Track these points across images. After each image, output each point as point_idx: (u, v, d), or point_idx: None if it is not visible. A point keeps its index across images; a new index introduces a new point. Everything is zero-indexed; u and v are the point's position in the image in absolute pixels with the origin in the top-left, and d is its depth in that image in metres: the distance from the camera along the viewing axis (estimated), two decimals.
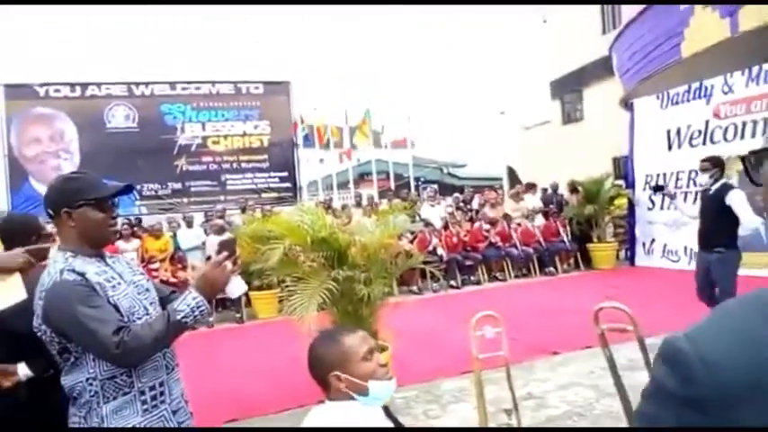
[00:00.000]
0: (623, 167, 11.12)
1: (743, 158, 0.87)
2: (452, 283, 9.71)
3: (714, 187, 4.96)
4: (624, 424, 2.85)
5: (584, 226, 10.50)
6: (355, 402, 1.58)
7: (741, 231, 4.79)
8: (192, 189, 13.63)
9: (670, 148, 9.73)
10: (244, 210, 10.96)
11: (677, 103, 9.67)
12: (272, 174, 14.18)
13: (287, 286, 4.32)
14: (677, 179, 9.51)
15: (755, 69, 8.30)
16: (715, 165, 5.07)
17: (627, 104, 11.66)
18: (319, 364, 1.60)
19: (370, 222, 5.48)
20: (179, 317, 1.77)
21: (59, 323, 1.73)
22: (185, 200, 13.27)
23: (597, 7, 17.41)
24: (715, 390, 0.66)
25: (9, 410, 2.37)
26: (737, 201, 4.73)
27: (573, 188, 11.13)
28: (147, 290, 2.03)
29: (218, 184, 13.85)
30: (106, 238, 1.96)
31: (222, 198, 13.56)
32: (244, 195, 13.12)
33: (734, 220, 4.77)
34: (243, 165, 14.04)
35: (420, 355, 5.47)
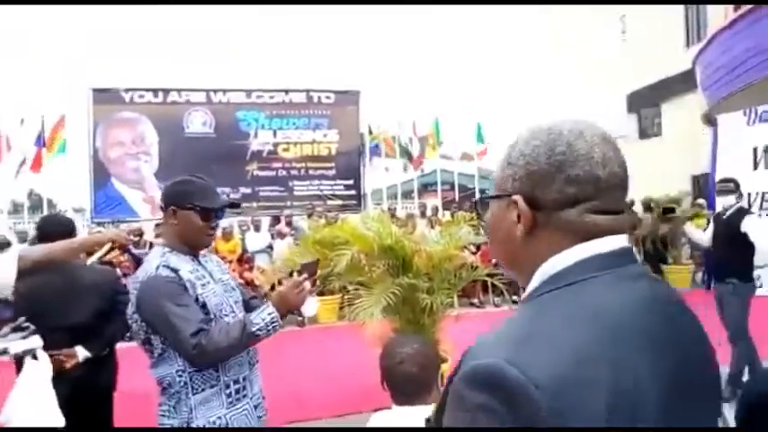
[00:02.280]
0: (703, 186, 10.54)
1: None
2: (515, 298, 9.49)
3: (729, 212, 4.58)
4: None
5: (659, 246, 10.02)
6: None
7: (758, 261, 4.43)
8: (261, 194, 14.05)
9: (756, 166, 9.16)
10: (310, 215, 11.19)
11: (765, 120, 9.09)
12: (338, 181, 14.40)
13: (350, 292, 4.37)
14: (762, 200, 8.92)
15: None
16: (736, 188, 4.73)
17: (710, 120, 11.08)
18: (431, 365, 1.60)
19: (434, 233, 5.46)
20: (254, 329, 1.89)
21: (148, 315, 1.86)
22: (254, 204, 13.68)
23: (681, 18, 16.68)
24: (559, 417, 0.60)
25: (70, 389, 2.58)
26: (755, 227, 4.41)
27: (648, 206, 10.65)
28: (233, 288, 2.17)
29: (286, 189, 14.20)
30: (201, 244, 2.09)
31: (289, 203, 13.90)
32: (310, 201, 13.40)
33: (749, 249, 4.36)
34: (310, 172, 14.35)
35: None
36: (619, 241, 0.78)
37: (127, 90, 13.71)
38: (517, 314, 0.75)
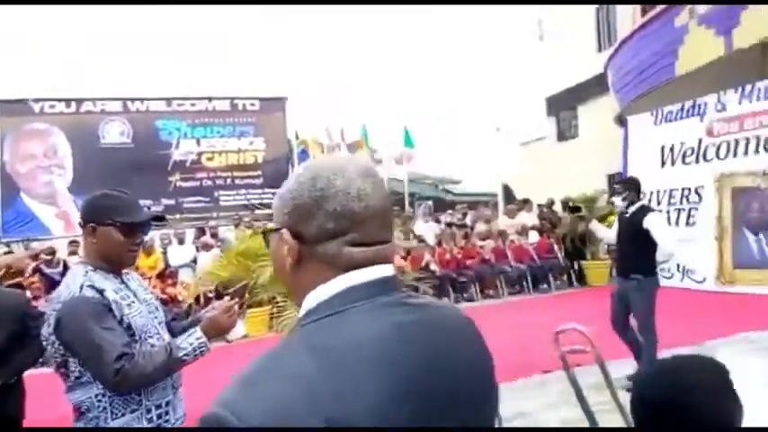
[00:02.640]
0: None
1: None
2: (445, 299, 9.64)
3: (631, 210, 4.64)
4: None
5: (577, 243, 10.46)
6: None
7: (659, 257, 4.49)
8: (185, 205, 13.58)
9: (663, 165, 9.74)
10: (237, 226, 10.91)
11: (671, 120, 9.69)
12: (266, 190, 14.15)
13: (278, 303, 4.27)
14: (670, 196, 9.50)
15: (748, 87, 8.33)
16: (628, 187, 4.79)
17: (621, 121, 11.71)
18: None
19: None
20: (181, 354, 1.85)
21: (69, 337, 1.76)
22: (178, 216, 13.21)
23: (593, 24, 17.57)
24: None
25: None
26: (656, 224, 4.47)
27: (566, 205, 11.11)
28: (157, 308, 2.09)
29: (212, 200, 13.81)
30: (124, 262, 2.00)
31: (215, 215, 13.52)
32: (237, 212, 13.06)
33: (652, 245, 4.44)
34: (236, 181, 14.02)
35: None
36: (380, 271, 0.81)
37: (36, 100, 12.91)
38: (276, 344, 0.78)
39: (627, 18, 14.88)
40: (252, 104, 14.23)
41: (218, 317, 1.96)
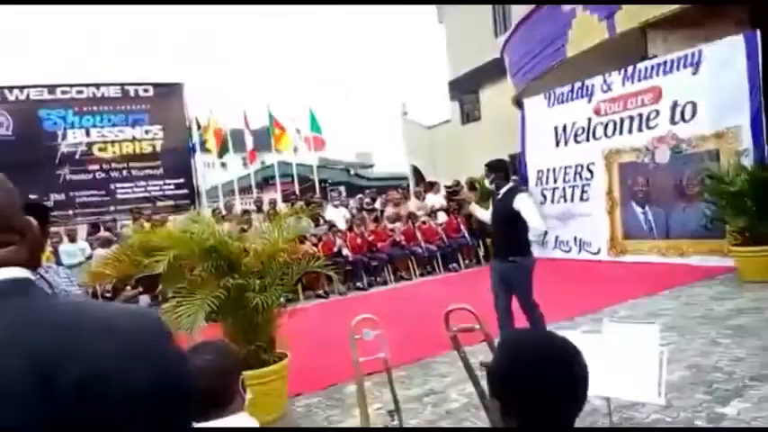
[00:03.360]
0: (518, 164, 11.63)
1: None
2: (359, 284, 9.68)
3: (501, 192, 4.61)
4: None
5: (483, 221, 10.82)
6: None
7: (530, 236, 4.51)
8: (78, 200, 12.67)
9: (557, 144, 10.29)
10: (136, 219, 10.32)
11: (563, 101, 10.23)
12: (168, 181, 13.48)
13: (172, 298, 4.07)
14: (565, 173, 10.08)
15: (630, 69, 8.93)
16: (493, 169, 4.75)
17: (519, 103, 12.22)
18: (223, 377, 1.49)
19: (267, 227, 5.30)
20: None
21: None
22: (70, 212, 12.29)
23: (489, 9, 18.11)
24: None
25: None
26: (525, 204, 4.45)
27: (471, 186, 11.46)
28: None
29: (107, 193, 12.98)
30: None
31: (112, 208, 12.71)
32: (137, 205, 12.36)
33: (524, 226, 4.44)
34: (134, 172, 13.26)
35: (323, 361, 5.35)
36: None
37: None
38: None
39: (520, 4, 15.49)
40: (145, 90, 13.43)
41: None
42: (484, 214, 4.95)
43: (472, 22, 18.56)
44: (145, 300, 7.54)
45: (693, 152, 7.97)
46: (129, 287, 7.58)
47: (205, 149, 14.42)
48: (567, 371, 1.04)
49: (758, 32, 7.16)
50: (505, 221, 4.53)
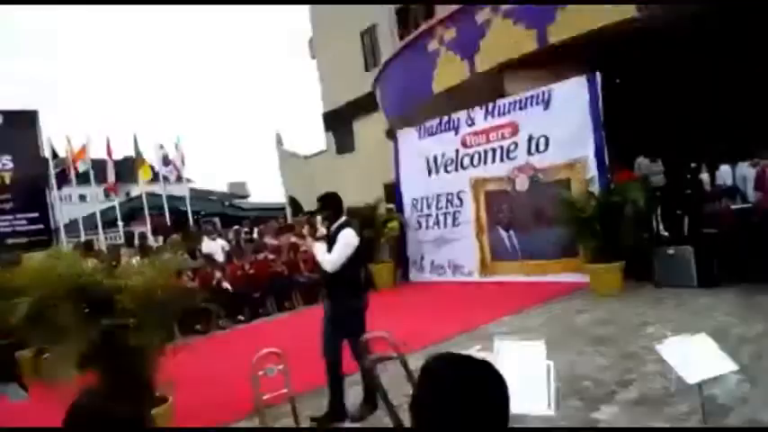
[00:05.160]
0: (393, 193, 12.04)
1: None
2: (240, 317, 9.36)
3: (333, 228, 4.29)
4: None
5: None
6: None
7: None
8: None
9: (429, 173, 10.85)
10: None
11: (432, 133, 10.85)
12: (19, 215, 12.16)
13: (38, 345, 3.70)
14: (437, 201, 10.64)
15: (491, 105, 9.73)
16: (325, 205, 4.47)
17: (392, 135, 12.71)
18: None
19: (138, 263, 5.01)
20: None
21: None
22: None
23: (359, 45, 18.80)
24: None
25: None
26: (339, 240, 4.16)
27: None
28: None
29: None
30: None
31: None
32: None
33: (354, 264, 4.26)
34: None
35: (208, 400, 5.11)
36: None
37: None
38: None
39: (388, 41, 16.29)
40: None
41: None
42: (320, 253, 4.30)
43: (343, 56, 19.12)
44: None
45: (549, 180, 8.82)
46: None
47: (64, 182, 13.23)
48: (484, 395, 1.06)
49: (598, 74, 8.18)
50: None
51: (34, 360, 5.78)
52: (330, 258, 4.19)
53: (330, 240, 4.27)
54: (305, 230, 4.63)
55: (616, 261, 7.38)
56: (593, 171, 8.20)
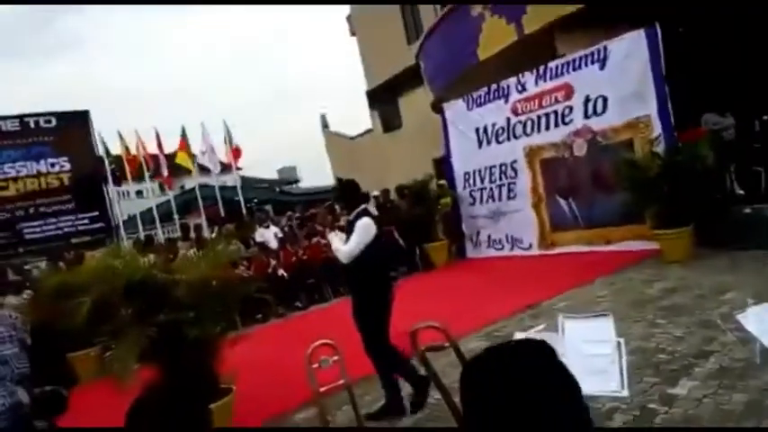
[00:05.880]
0: (443, 168, 11.77)
1: None
2: (297, 304, 9.41)
3: (353, 215, 4.11)
4: None
5: (416, 227, 10.84)
6: None
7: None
8: None
9: (480, 145, 10.49)
10: (50, 260, 9.55)
11: (481, 104, 10.45)
12: (80, 215, 12.62)
13: (101, 342, 3.74)
14: (491, 173, 10.28)
15: (542, 68, 9.26)
16: (340, 195, 4.47)
17: (438, 108, 12.38)
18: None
19: (195, 255, 5.01)
20: None
21: None
22: None
23: (400, 18, 18.36)
24: None
25: None
26: (356, 230, 3.95)
27: (401, 192, 11.49)
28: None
29: (13, 234, 11.96)
30: None
31: (20, 250, 11.73)
32: (48, 244, 11.48)
33: (372, 255, 3.97)
34: (42, 209, 12.31)
35: (269, 389, 5.11)
36: None
37: None
38: None
39: (430, 10, 15.82)
40: (47, 121, 12.53)
41: None
42: (339, 244, 4.09)
43: (384, 31, 18.76)
44: None
45: (609, 143, 8.34)
46: None
47: (119, 179, 13.64)
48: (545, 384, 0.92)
49: (657, 26, 7.60)
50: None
51: (100, 358, 5.97)
52: (345, 249, 3.97)
53: (348, 230, 4.09)
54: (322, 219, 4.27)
55: (686, 225, 6.89)
56: (657, 130, 7.67)
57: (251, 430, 3.77)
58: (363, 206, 4.23)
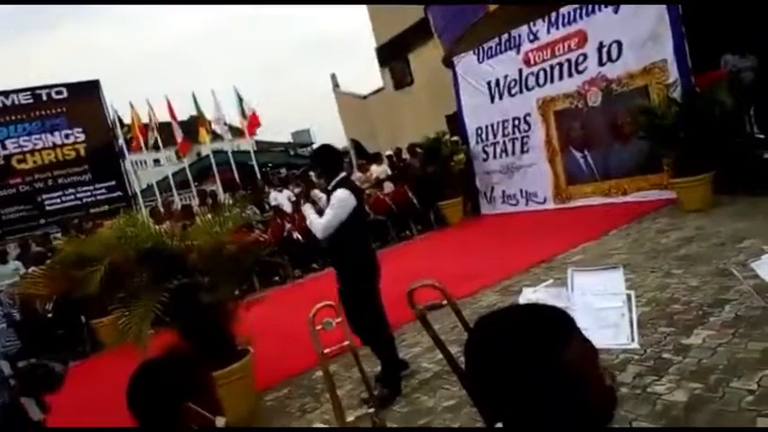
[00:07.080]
0: (456, 124, 11.59)
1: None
2: (314, 265, 9.51)
3: (331, 186, 3.78)
4: None
5: (429, 185, 10.78)
6: None
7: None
8: (4, 218, 11.87)
9: (492, 99, 10.27)
10: (67, 231, 9.73)
11: (492, 56, 10.18)
12: (98, 185, 12.79)
13: (116, 309, 3.83)
14: (503, 128, 10.11)
15: (554, 15, 8.94)
16: (316, 164, 4.08)
17: (449, 63, 12.10)
18: (168, 394, 1.27)
19: (207, 221, 5.05)
20: None
21: None
22: None
23: None
24: None
25: None
26: (332, 201, 3.68)
27: (413, 151, 11.39)
28: None
29: (35, 206, 12.19)
30: None
31: (42, 221, 11.98)
32: (69, 215, 11.68)
33: (350, 226, 3.70)
34: (61, 180, 12.50)
35: (288, 349, 5.21)
36: None
37: None
38: None
39: None
40: (59, 93, 12.57)
41: None
42: (314, 218, 3.83)
43: None
44: None
45: (624, 91, 8.10)
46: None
47: (134, 147, 13.72)
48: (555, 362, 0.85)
49: None
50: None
51: (116, 325, 6.12)
52: (319, 222, 3.70)
53: (328, 201, 3.78)
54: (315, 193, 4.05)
55: (704, 172, 6.72)
56: (674, 74, 7.41)
57: (255, 430, 3.84)
58: (342, 174, 3.87)
